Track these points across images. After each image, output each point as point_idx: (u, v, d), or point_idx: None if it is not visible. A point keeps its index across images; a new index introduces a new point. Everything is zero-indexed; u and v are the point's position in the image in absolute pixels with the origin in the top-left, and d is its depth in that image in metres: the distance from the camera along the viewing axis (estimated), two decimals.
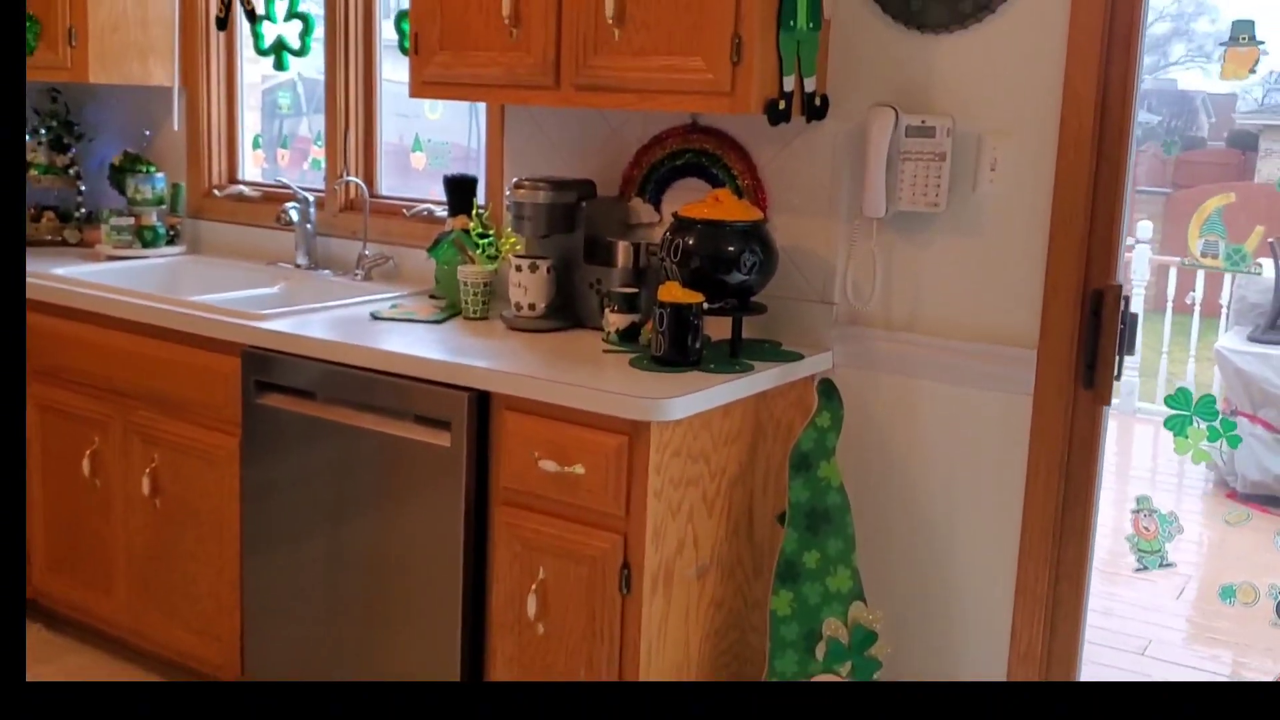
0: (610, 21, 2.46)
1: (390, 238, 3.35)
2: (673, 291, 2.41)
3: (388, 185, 3.52)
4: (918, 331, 2.59)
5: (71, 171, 3.81)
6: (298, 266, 3.40)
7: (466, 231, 3.00)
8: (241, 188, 3.67)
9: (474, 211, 2.95)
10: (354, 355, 2.55)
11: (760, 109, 2.41)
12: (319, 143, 3.60)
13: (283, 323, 2.74)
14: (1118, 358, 2.40)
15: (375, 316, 2.82)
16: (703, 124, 2.78)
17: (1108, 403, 2.43)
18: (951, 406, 2.56)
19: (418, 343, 2.62)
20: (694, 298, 2.41)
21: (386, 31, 3.37)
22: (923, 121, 2.46)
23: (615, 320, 2.64)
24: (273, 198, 3.59)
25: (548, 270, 2.73)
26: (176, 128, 3.65)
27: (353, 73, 3.41)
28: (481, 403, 2.40)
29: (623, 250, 2.74)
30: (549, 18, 2.57)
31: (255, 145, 3.75)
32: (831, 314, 2.66)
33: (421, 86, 2.80)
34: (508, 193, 2.79)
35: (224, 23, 3.33)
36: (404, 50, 3.22)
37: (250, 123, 3.75)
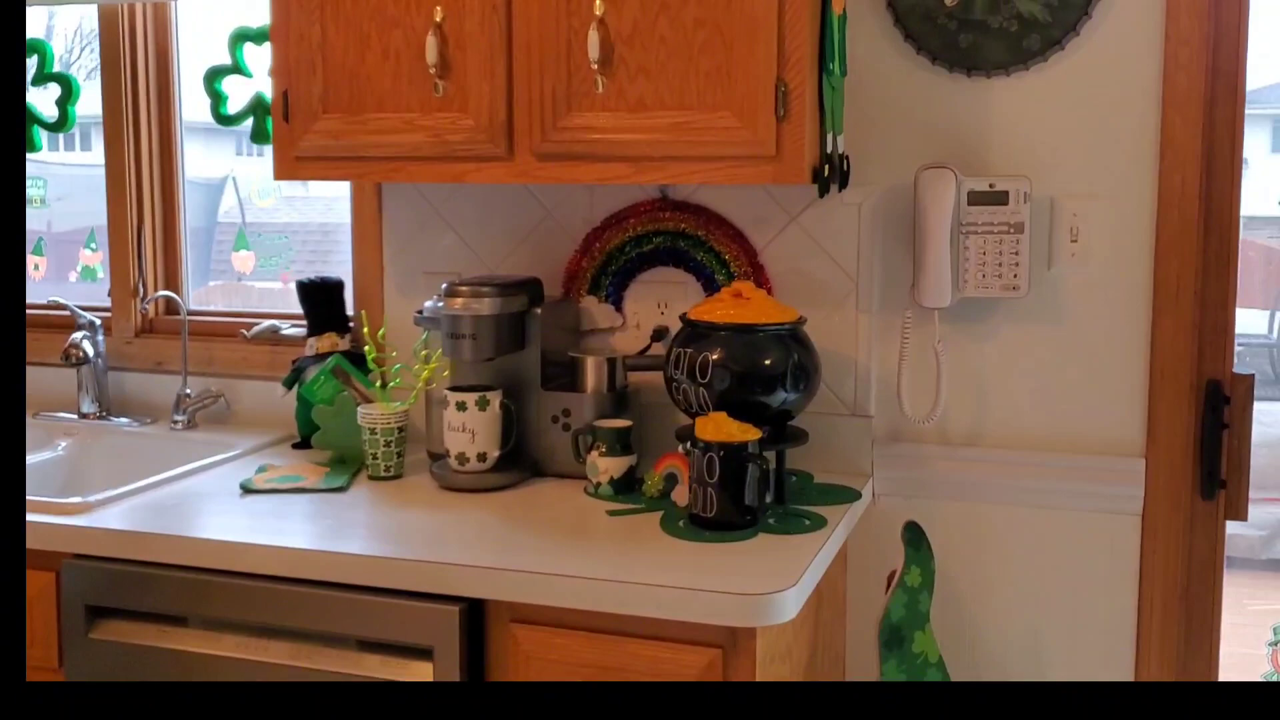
0: (594, 68, 1.81)
1: (214, 367, 2.51)
2: (723, 427, 1.76)
3: (195, 297, 2.67)
4: (984, 446, 2.06)
5: None
6: (83, 416, 2.48)
7: (353, 356, 2.23)
8: None
9: (364, 329, 2.18)
10: (249, 558, 1.74)
11: (811, 177, 1.82)
12: (91, 245, 2.70)
13: (113, 512, 1.88)
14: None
15: (247, 489, 2.00)
16: (675, 197, 2.16)
17: (1242, 517, 1.98)
18: (1035, 535, 2.05)
19: (335, 528, 1.83)
20: (751, 434, 1.77)
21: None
22: (991, 185, 1.95)
23: (607, 466, 1.96)
24: (29, 323, 2.65)
25: (500, 405, 2.01)
26: None
27: (145, 153, 2.55)
28: (474, 616, 1.66)
29: (593, 368, 2.06)
30: (496, 64, 1.88)
31: None
32: (869, 430, 2.09)
33: (294, 165, 2.01)
34: (437, 302, 2.04)
35: None
36: (221, 119, 2.43)
37: None
